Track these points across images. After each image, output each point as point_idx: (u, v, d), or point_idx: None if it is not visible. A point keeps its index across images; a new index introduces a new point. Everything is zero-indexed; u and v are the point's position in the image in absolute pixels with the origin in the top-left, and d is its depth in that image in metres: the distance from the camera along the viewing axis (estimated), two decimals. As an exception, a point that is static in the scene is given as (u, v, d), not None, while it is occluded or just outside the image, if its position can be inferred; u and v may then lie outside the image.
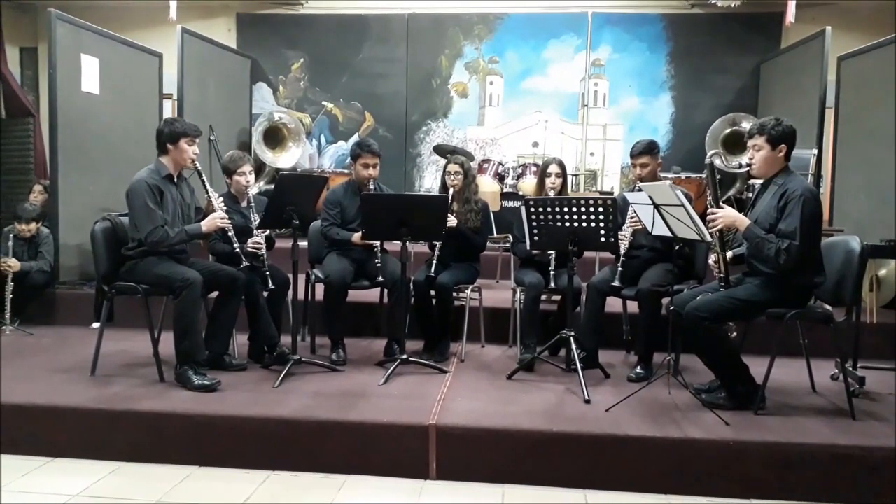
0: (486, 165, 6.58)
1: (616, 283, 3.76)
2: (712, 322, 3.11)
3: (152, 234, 3.45)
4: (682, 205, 3.08)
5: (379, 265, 4.00)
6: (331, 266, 3.99)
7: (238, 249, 3.66)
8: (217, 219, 3.59)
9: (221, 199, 3.71)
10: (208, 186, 3.64)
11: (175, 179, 3.66)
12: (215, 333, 3.73)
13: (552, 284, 3.96)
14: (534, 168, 6.46)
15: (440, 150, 6.90)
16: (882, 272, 4.65)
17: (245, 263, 3.67)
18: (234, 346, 3.91)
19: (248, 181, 3.95)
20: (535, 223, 3.54)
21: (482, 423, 2.95)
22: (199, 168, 3.62)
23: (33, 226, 4.90)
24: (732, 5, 6.49)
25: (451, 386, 3.50)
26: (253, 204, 3.90)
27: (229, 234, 3.64)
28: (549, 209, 3.47)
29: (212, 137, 6.52)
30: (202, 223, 3.61)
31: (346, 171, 6.70)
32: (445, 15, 7.63)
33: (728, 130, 6.84)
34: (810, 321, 3.31)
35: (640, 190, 3.55)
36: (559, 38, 7.56)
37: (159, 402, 3.18)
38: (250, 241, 3.80)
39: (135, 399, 3.21)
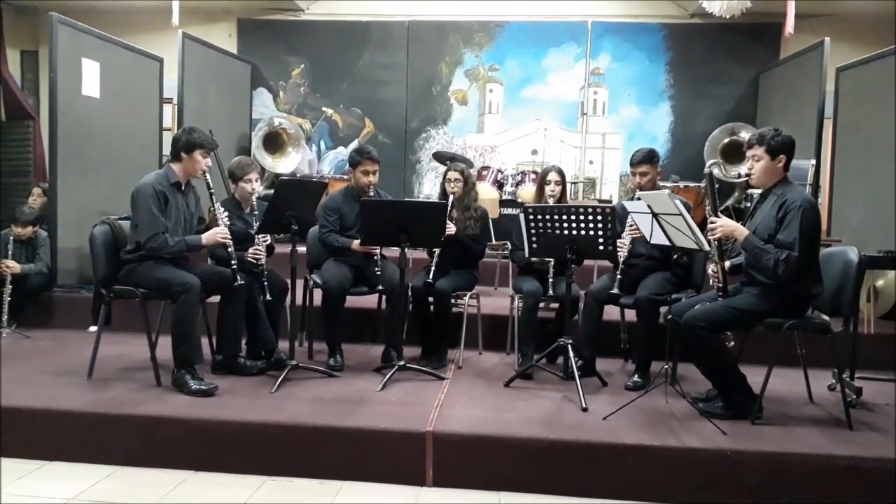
0: (485, 173, 6.59)
1: (614, 292, 3.75)
2: (710, 331, 3.11)
3: (152, 240, 3.45)
4: (681, 214, 3.09)
5: (379, 273, 3.99)
6: (329, 272, 3.99)
7: (235, 266, 3.59)
8: (218, 234, 3.58)
9: (226, 213, 3.70)
10: (216, 201, 3.64)
11: (182, 187, 3.66)
12: (224, 337, 3.73)
13: (550, 292, 3.96)
14: (533, 176, 6.47)
15: (439, 157, 6.90)
16: (880, 283, 4.65)
17: (240, 282, 3.60)
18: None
19: (253, 189, 3.95)
20: (533, 231, 3.54)
21: (479, 431, 2.95)
22: (209, 181, 3.62)
23: (29, 229, 4.87)
24: (730, 16, 6.50)
25: (448, 393, 3.50)
26: (256, 211, 3.89)
27: (229, 249, 3.60)
28: (548, 217, 3.48)
29: (211, 142, 6.51)
30: (203, 236, 3.60)
31: (345, 176, 6.69)
32: (446, 22, 7.65)
33: (727, 140, 6.85)
34: (808, 331, 3.32)
35: (639, 199, 3.55)
36: (559, 47, 7.59)
37: (156, 406, 3.18)
38: (251, 249, 3.80)
39: (132, 403, 3.21)
